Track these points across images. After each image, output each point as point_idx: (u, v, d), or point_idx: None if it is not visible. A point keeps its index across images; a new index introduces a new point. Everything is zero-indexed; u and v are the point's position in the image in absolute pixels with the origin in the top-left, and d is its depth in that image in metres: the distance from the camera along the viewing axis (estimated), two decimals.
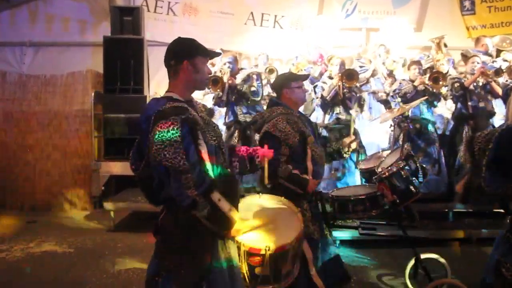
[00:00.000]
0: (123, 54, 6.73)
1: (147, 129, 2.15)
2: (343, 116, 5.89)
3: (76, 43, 8.02)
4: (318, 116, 6.17)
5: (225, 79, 5.88)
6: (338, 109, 5.93)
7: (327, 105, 5.91)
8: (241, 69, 6.27)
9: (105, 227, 5.95)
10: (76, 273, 4.45)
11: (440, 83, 5.86)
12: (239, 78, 5.98)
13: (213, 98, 6.18)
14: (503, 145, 1.60)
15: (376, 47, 7.29)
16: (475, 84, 5.83)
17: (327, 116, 6.02)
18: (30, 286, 4.17)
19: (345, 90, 5.75)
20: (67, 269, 4.53)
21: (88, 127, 7.10)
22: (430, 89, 5.86)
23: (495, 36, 7.62)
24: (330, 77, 6.13)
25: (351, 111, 5.93)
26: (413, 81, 5.94)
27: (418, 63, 6.17)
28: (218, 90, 5.91)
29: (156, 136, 2.07)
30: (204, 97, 6.57)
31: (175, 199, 2.12)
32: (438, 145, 5.91)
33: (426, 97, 5.60)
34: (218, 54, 2.60)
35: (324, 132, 5.87)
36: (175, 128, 2.07)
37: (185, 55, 2.28)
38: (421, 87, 5.83)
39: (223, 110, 6.26)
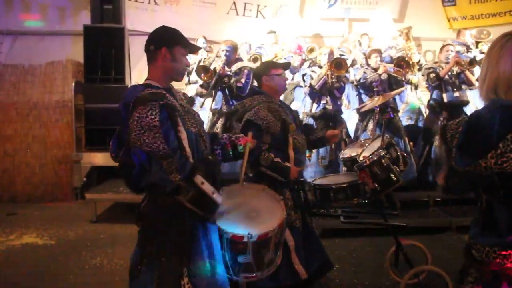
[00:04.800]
0: (104, 43, 6.64)
1: (126, 116, 2.16)
2: (330, 106, 5.91)
3: (55, 32, 7.87)
4: (306, 105, 6.18)
5: (218, 66, 5.85)
6: (325, 99, 5.94)
7: (315, 94, 5.93)
8: (238, 58, 6.23)
9: (87, 219, 5.88)
10: (58, 265, 4.41)
11: (406, 70, 5.99)
12: (232, 69, 5.95)
13: (200, 85, 6.15)
14: (471, 127, 1.64)
15: (358, 36, 7.32)
16: (449, 73, 5.89)
17: (315, 105, 6.05)
18: (11, 279, 4.11)
19: (333, 80, 5.76)
20: (49, 261, 4.48)
21: (69, 117, 7.01)
22: (398, 77, 5.95)
23: (473, 28, 7.74)
24: (320, 66, 6.14)
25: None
26: (375, 70, 5.99)
27: (378, 51, 6.23)
28: (206, 78, 5.87)
29: (135, 122, 2.07)
30: (186, 87, 6.52)
31: (156, 186, 2.12)
32: (404, 135, 5.96)
33: (405, 87, 5.65)
34: (198, 48, 2.60)
35: (311, 121, 5.89)
36: (154, 113, 2.08)
37: (165, 42, 2.28)
38: (384, 76, 5.89)
39: (204, 100, 6.22)
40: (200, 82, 6.11)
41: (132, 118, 2.09)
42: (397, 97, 6.80)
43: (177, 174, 2.05)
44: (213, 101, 6.09)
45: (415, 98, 6.89)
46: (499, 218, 1.65)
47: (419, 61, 6.67)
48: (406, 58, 6.44)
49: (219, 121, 5.93)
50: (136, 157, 2.12)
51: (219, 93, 6.01)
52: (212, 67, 5.95)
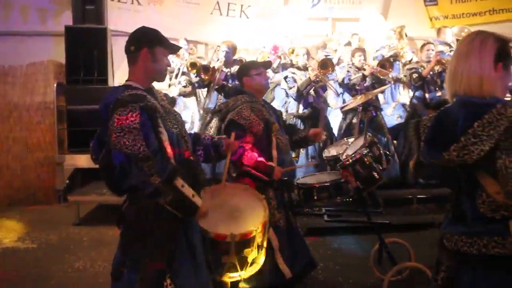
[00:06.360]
0: (86, 44, 6.55)
1: (106, 118, 2.14)
2: (317, 106, 5.94)
3: (36, 33, 7.74)
4: (290, 106, 6.19)
5: (217, 65, 5.86)
6: (312, 98, 5.97)
7: (301, 96, 5.96)
8: (235, 60, 6.23)
9: (70, 221, 5.80)
10: (40, 269, 4.34)
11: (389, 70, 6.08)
12: (229, 71, 5.95)
13: (186, 82, 6.13)
14: (438, 122, 1.73)
15: (346, 36, 7.37)
16: (431, 73, 5.96)
17: (301, 106, 6.07)
18: None
19: (318, 79, 5.81)
20: (31, 265, 4.41)
21: (51, 119, 6.91)
22: (381, 76, 6.02)
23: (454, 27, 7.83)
24: (299, 68, 6.16)
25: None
26: (359, 69, 6.04)
27: (362, 50, 6.31)
28: (207, 77, 5.86)
29: (115, 124, 2.05)
30: (170, 88, 6.49)
31: (137, 188, 2.10)
32: (388, 133, 6.01)
33: (388, 85, 5.71)
34: (179, 48, 2.59)
35: (298, 122, 5.91)
36: (134, 115, 2.06)
37: (146, 42, 2.27)
38: (369, 79, 5.96)
39: (187, 100, 6.22)
40: (183, 83, 6.10)
41: (112, 120, 2.08)
42: (388, 96, 6.87)
43: (157, 176, 2.03)
44: (206, 99, 6.07)
45: (406, 97, 6.96)
46: (466, 209, 1.73)
47: (411, 59, 6.72)
48: (398, 57, 6.53)
49: (213, 121, 5.92)
50: (116, 159, 2.10)
51: (214, 92, 6.00)
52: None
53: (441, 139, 1.68)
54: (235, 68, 5.87)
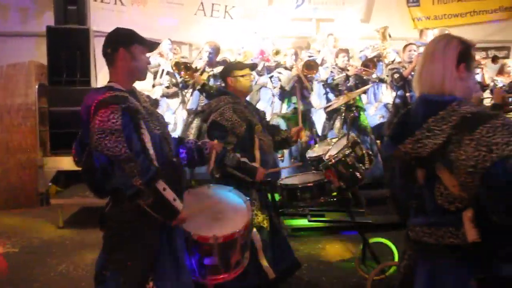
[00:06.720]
0: (68, 45, 6.47)
1: (88, 119, 2.12)
2: (300, 106, 5.96)
3: (17, 33, 7.64)
4: (274, 106, 6.21)
5: (200, 65, 5.83)
6: (295, 99, 6.00)
7: (285, 95, 5.97)
8: (218, 62, 6.22)
9: (53, 224, 5.73)
10: (22, 273, 4.26)
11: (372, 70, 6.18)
12: (212, 72, 5.94)
13: (169, 82, 6.11)
14: (403, 119, 1.89)
15: (325, 37, 7.42)
16: (412, 73, 6.04)
17: (284, 106, 6.08)
18: None
19: (304, 80, 5.84)
20: (12, 270, 4.33)
21: (33, 121, 6.80)
22: (364, 77, 6.07)
23: (436, 28, 7.95)
24: (286, 68, 6.18)
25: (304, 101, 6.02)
26: (342, 69, 6.08)
27: (345, 51, 6.37)
28: (187, 76, 5.84)
29: (97, 126, 2.04)
30: (153, 89, 6.45)
31: (120, 190, 2.09)
32: (371, 133, 6.06)
33: (370, 85, 5.77)
34: (157, 45, 2.57)
35: (281, 122, 5.93)
36: (116, 117, 2.05)
37: (122, 43, 2.25)
38: (352, 80, 6.01)
39: (170, 101, 6.20)
40: (166, 84, 6.07)
41: (94, 121, 2.07)
42: (371, 96, 6.93)
43: (139, 178, 2.03)
44: (189, 100, 6.05)
45: (389, 97, 7.02)
46: (426, 201, 1.84)
47: (394, 60, 6.79)
48: (381, 58, 6.59)
49: (195, 121, 5.90)
50: (98, 161, 2.09)
51: (196, 93, 5.98)
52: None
53: (400, 134, 1.82)
54: (218, 69, 5.87)
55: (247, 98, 3.52)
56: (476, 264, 1.70)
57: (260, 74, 6.64)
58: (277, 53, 6.71)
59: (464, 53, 1.81)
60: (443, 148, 1.68)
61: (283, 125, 5.88)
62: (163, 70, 6.49)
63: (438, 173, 1.76)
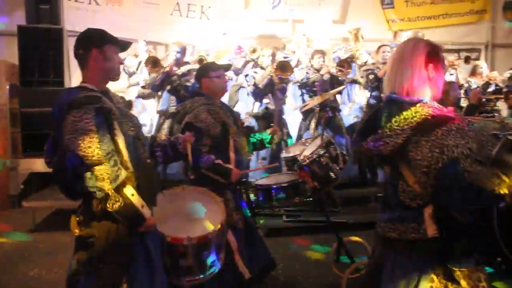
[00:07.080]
0: (41, 44, 6.34)
1: (60, 120, 2.09)
2: (272, 106, 5.99)
3: None
4: (248, 105, 6.22)
5: (168, 65, 5.82)
6: (267, 99, 6.02)
7: (258, 93, 5.99)
8: (186, 62, 6.21)
9: (25, 228, 5.61)
10: None
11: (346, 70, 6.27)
12: (180, 71, 5.91)
13: (145, 82, 6.07)
14: (371, 117, 1.95)
15: (300, 38, 7.48)
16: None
17: (257, 105, 6.10)
18: None
19: (276, 81, 5.87)
20: None
21: (4, 122, 6.64)
22: (339, 77, 6.16)
23: (410, 30, 8.11)
24: (262, 67, 6.20)
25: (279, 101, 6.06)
26: (318, 70, 6.15)
27: (321, 52, 6.45)
28: (155, 73, 5.82)
29: (69, 126, 2.02)
30: (128, 90, 6.39)
31: (91, 192, 2.06)
32: (346, 133, 6.14)
33: (344, 86, 5.84)
34: (129, 44, 2.54)
35: (253, 122, 5.94)
36: (89, 117, 2.03)
37: (94, 43, 2.23)
38: (326, 76, 6.07)
39: (146, 102, 6.15)
40: (142, 83, 6.02)
41: (66, 122, 2.04)
42: (345, 96, 7.02)
43: (108, 182, 2.01)
44: (158, 102, 6.04)
45: (363, 98, 7.11)
46: (390, 197, 1.93)
47: (367, 61, 6.88)
48: (354, 59, 6.67)
49: (166, 123, 5.87)
50: (70, 162, 2.06)
51: (165, 94, 5.95)
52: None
53: (365, 131, 1.89)
54: (185, 68, 5.88)
55: (226, 99, 3.53)
56: (436, 258, 1.79)
57: (239, 72, 6.63)
58: (254, 51, 6.73)
59: (432, 54, 1.88)
60: (404, 147, 1.75)
61: (254, 124, 5.92)
62: (136, 69, 6.44)
63: (402, 171, 1.83)
